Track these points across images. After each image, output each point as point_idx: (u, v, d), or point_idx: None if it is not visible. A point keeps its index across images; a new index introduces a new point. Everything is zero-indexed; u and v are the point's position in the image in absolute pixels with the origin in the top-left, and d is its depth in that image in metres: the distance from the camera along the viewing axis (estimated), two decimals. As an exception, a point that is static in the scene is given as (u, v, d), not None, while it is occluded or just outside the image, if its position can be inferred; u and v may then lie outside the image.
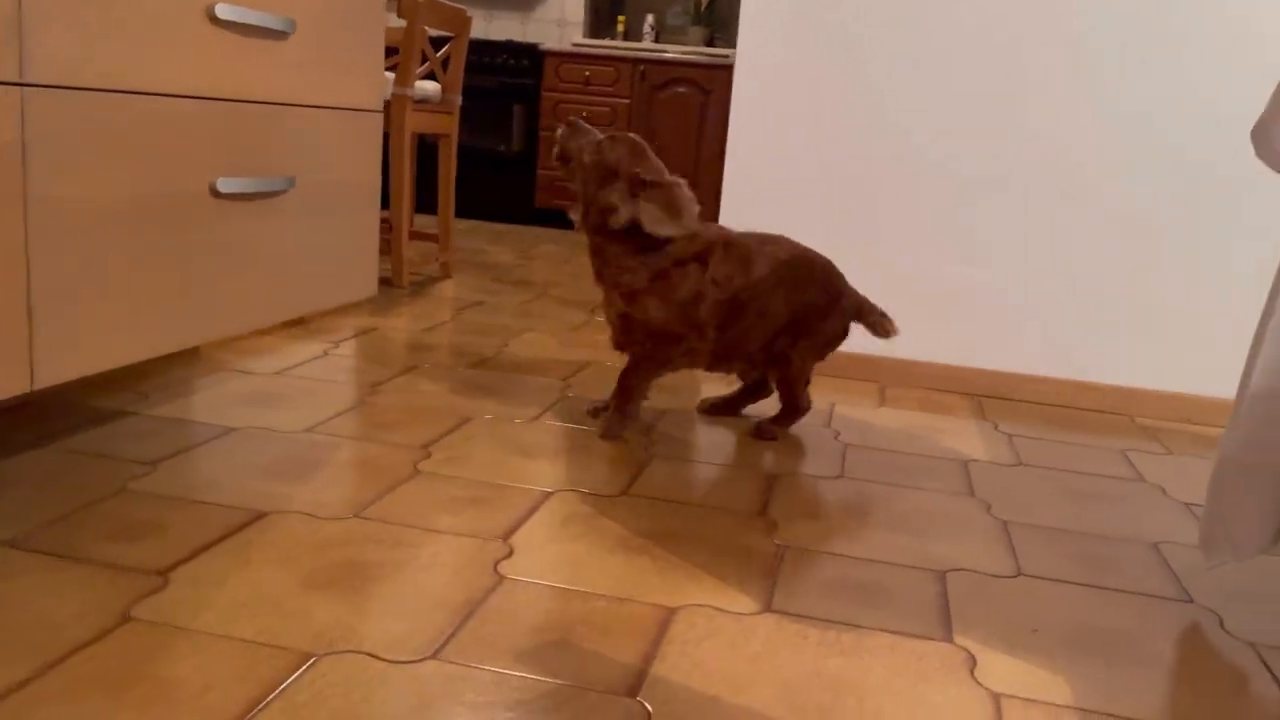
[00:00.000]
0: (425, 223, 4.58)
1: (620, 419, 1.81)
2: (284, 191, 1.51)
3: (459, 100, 3.27)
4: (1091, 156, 2.25)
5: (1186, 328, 2.27)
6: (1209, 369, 2.26)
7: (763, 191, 2.41)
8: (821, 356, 1.96)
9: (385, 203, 3.12)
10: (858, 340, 2.37)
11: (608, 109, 4.99)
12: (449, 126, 3.27)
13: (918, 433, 2.01)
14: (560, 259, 4.08)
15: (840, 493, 1.62)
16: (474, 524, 1.37)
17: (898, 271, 2.36)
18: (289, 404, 1.83)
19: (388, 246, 3.09)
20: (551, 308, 2.99)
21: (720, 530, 1.42)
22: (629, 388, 1.82)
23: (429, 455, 1.62)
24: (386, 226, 3.12)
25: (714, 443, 1.84)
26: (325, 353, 2.21)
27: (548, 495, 1.50)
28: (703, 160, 4.92)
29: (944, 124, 2.30)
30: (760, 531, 1.43)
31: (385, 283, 3.10)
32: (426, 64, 3.12)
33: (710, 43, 5.35)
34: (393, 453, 1.62)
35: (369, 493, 1.45)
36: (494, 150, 5.11)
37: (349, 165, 1.69)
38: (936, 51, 2.28)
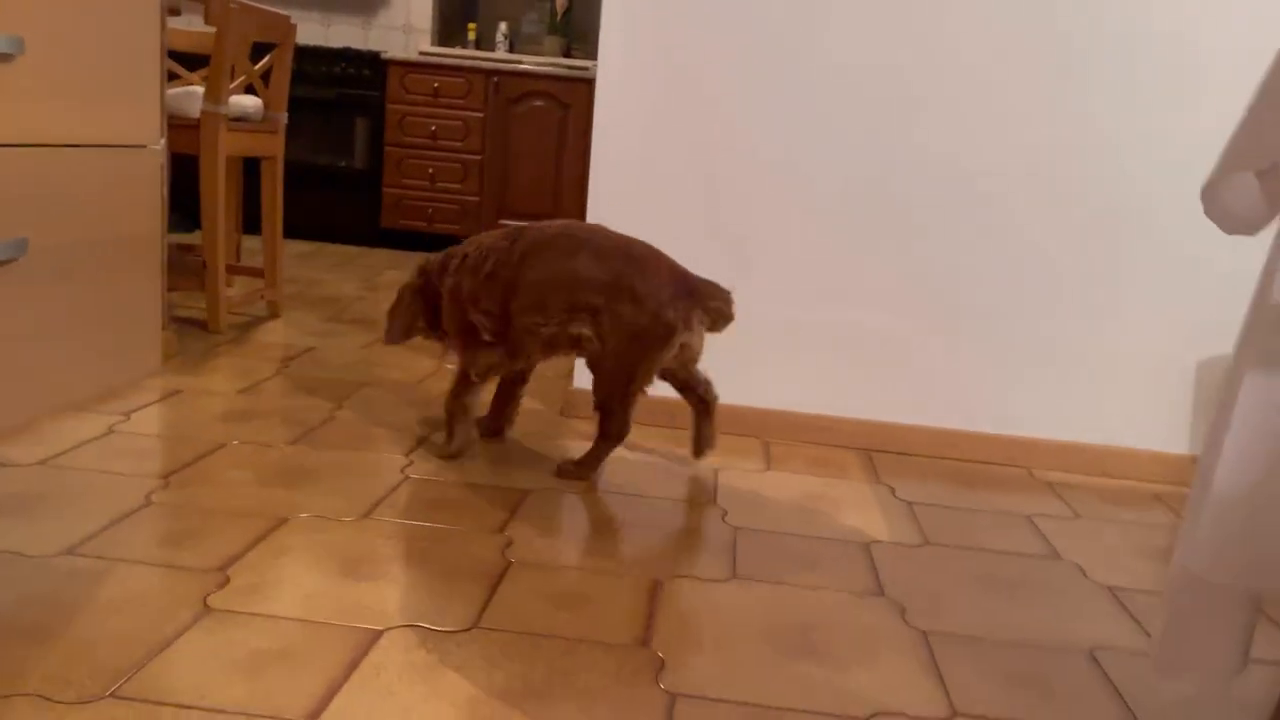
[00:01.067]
0: (257, 248, 4.14)
1: (445, 447, 1.89)
2: (12, 260, 1.16)
3: (284, 118, 2.90)
4: (992, 189, 2.09)
5: (1085, 374, 2.13)
6: (1107, 418, 2.13)
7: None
8: (635, 358, 1.73)
9: (199, 224, 2.72)
10: (738, 392, 2.16)
11: (459, 123, 4.65)
12: (273, 148, 2.89)
13: (812, 505, 1.79)
14: (409, 289, 3.73)
15: (735, 603, 1.37)
16: (273, 694, 1.05)
17: (778, 315, 2.15)
18: (50, 510, 1.46)
19: (203, 284, 2.69)
20: (396, 354, 2.66)
21: (594, 676, 1.15)
22: (447, 412, 1.90)
23: (226, 582, 1.29)
24: (201, 263, 2.72)
25: (582, 531, 1.57)
26: (110, 430, 1.83)
27: (376, 636, 1.19)
28: (564, 179, 4.64)
29: (823, 154, 2.10)
30: (644, 674, 1.16)
31: (200, 326, 2.70)
32: (244, 77, 2.74)
33: (567, 53, 5.09)
34: (177, 582, 1.28)
35: (135, 652, 1.11)
36: (335, 167, 4.70)
37: (115, 217, 1.34)
38: (815, 73, 2.07)
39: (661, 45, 2.08)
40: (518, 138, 4.66)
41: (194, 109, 2.59)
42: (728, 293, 1.78)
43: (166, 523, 1.46)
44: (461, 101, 4.65)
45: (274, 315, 2.98)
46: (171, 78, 2.91)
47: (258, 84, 2.77)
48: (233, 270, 3.13)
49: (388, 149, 4.69)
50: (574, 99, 4.60)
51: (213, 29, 2.61)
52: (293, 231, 4.61)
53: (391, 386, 2.31)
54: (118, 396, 2.02)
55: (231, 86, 2.63)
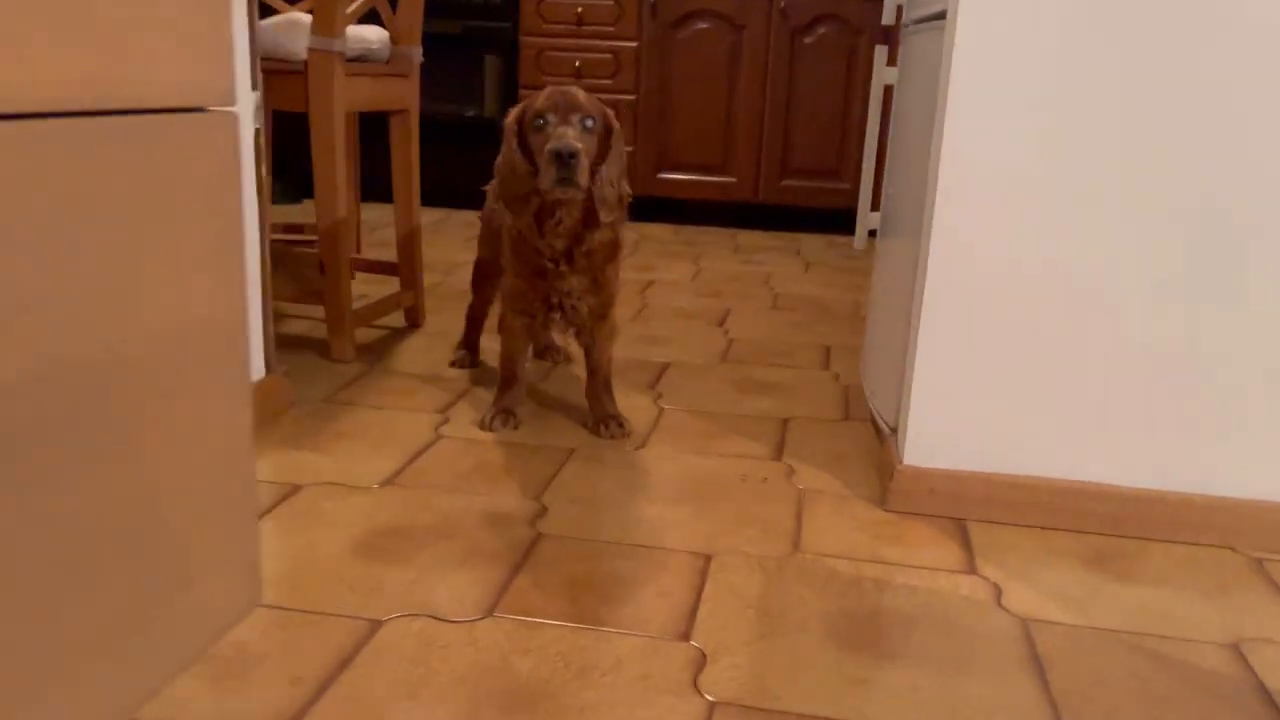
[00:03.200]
0: (377, 219, 3.36)
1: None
2: None
3: (419, 55, 2.10)
4: None
5: None
6: None
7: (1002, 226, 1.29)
8: None
9: (308, 192, 1.96)
10: (1195, 474, 1.30)
11: (609, 56, 3.80)
12: (404, 97, 2.10)
13: None
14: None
15: None
16: None
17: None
18: None
19: (318, 295, 1.94)
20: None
21: None
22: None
23: None
24: (318, 263, 1.96)
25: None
26: (191, 593, 1.08)
27: None
28: (739, 121, 3.76)
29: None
30: None
31: (318, 350, 1.96)
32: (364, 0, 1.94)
33: (730, -36, 4.17)
34: None
35: None
36: (460, 117, 3.91)
37: (152, 291, 0.56)
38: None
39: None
40: (680, 71, 3.78)
41: (298, 47, 1.81)
42: None
43: None
44: (611, 29, 3.79)
45: (414, 325, 2.22)
46: (263, 12, 2.15)
47: (383, 8, 1.98)
48: (357, 265, 2.39)
49: (523, 92, 3.87)
50: (749, 18, 3.70)
51: (318, -70, 1.82)
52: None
53: (616, 460, 1.52)
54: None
55: (348, 11, 1.84)
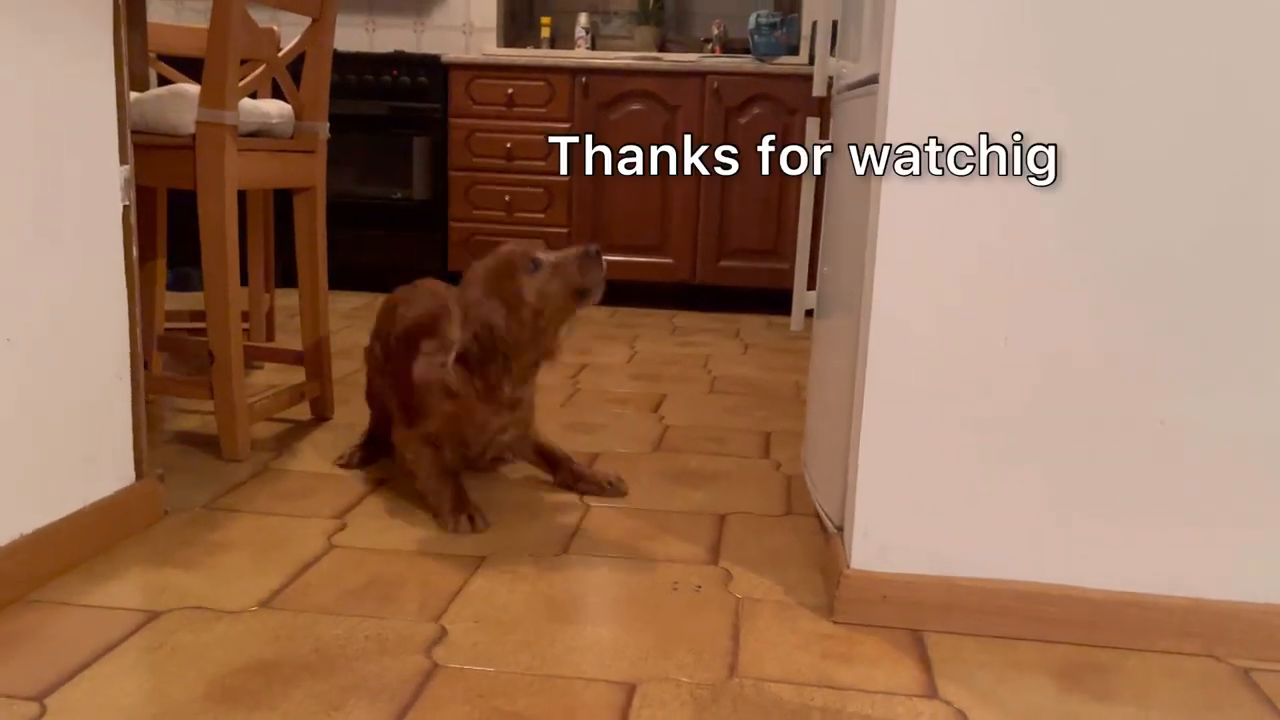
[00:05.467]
0: (296, 305, 3.17)
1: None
2: None
3: (325, 130, 1.97)
4: None
5: None
6: None
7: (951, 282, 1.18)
8: None
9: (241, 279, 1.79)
10: (1164, 572, 1.16)
11: (541, 137, 3.71)
12: (309, 175, 1.95)
13: None
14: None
15: None
16: None
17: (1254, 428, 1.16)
18: None
19: (210, 389, 1.76)
20: (523, 494, 1.71)
21: None
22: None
23: None
24: (207, 354, 1.79)
25: None
26: (-4, 759, 0.89)
27: None
28: (674, 200, 3.68)
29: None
30: None
31: (213, 448, 1.77)
32: (260, 69, 1.81)
33: (662, 46, 4.15)
34: None
35: None
36: (389, 200, 3.78)
37: None
38: None
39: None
40: (614, 152, 3.71)
41: (185, 120, 1.67)
42: None
43: None
44: (542, 110, 3.72)
45: (321, 418, 2.04)
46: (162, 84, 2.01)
47: (284, 81, 1.85)
48: (260, 355, 2.22)
49: (453, 174, 3.77)
50: (683, 98, 3.65)
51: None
52: (340, 281, 3.69)
53: (531, 557, 1.35)
54: (58, 620, 1.07)
55: (243, 84, 1.71)
